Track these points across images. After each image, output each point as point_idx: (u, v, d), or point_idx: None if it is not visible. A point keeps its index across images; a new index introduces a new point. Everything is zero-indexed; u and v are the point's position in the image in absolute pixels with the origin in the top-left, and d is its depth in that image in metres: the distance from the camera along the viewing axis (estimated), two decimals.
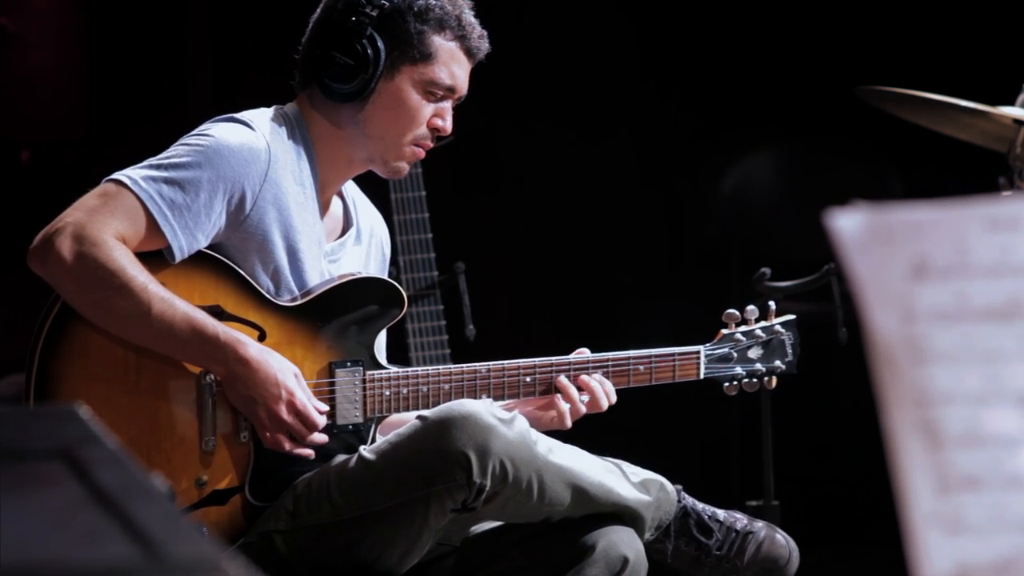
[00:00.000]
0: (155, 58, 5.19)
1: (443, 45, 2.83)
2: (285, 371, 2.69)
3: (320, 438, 2.73)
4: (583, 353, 2.91)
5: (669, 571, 2.96)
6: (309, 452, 2.73)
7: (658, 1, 5.44)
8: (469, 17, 2.85)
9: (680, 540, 2.84)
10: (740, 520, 2.86)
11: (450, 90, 2.84)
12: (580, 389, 2.87)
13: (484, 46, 2.87)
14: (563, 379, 2.87)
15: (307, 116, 2.85)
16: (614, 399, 2.89)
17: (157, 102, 5.14)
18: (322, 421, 2.72)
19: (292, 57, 2.88)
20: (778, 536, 2.86)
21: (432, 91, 2.83)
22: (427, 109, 2.84)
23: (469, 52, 2.85)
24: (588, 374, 2.87)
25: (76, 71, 5.29)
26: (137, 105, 5.16)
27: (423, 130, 2.84)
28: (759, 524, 2.87)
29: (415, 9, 2.81)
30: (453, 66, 2.84)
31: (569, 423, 2.87)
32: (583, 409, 2.87)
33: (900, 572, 2.06)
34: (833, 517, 5.08)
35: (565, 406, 2.86)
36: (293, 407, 2.69)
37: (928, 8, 5.22)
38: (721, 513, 2.87)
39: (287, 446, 2.71)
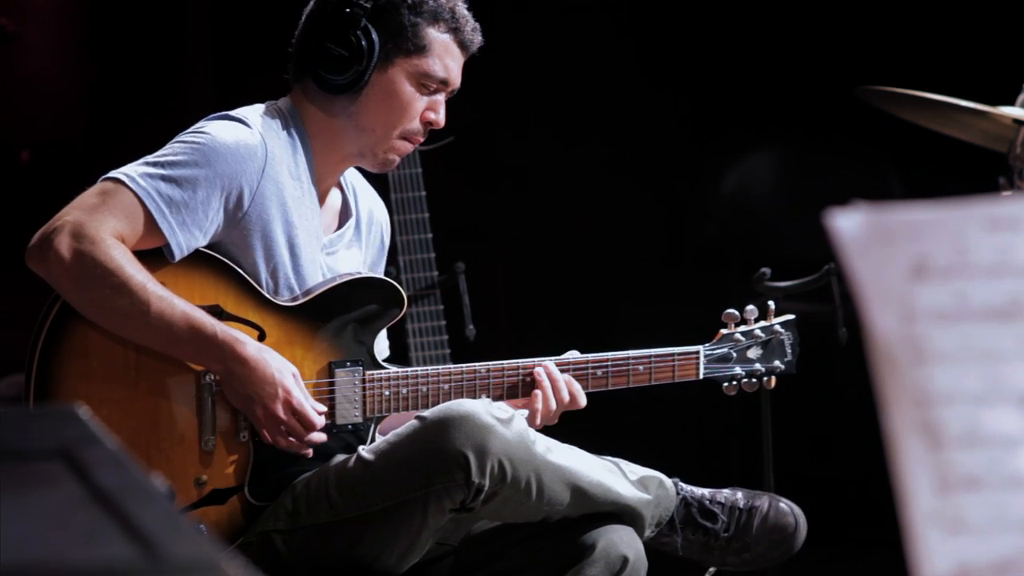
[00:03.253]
0: (155, 58, 5.19)
1: (437, 37, 2.83)
2: (283, 370, 2.69)
3: (319, 437, 2.73)
4: (573, 354, 2.90)
5: (671, 568, 2.96)
6: (307, 451, 2.73)
7: (658, 1, 5.44)
8: (462, 10, 2.86)
9: (686, 530, 2.83)
10: (742, 497, 2.86)
11: (443, 83, 2.85)
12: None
13: (477, 39, 2.87)
14: (539, 371, 2.85)
15: (301, 109, 2.85)
16: (583, 402, 2.87)
17: (157, 102, 5.14)
18: (320, 421, 2.72)
19: (287, 51, 2.88)
20: (782, 504, 2.85)
21: (425, 83, 2.84)
22: (420, 102, 2.84)
23: (463, 45, 2.86)
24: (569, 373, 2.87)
25: (76, 71, 5.29)
26: (137, 105, 5.16)
27: (415, 124, 2.85)
28: (762, 497, 2.86)
29: (409, 2, 2.82)
30: (447, 59, 2.84)
31: (539, 421, 2.85)
32: (553, 406, 2.85)
33: (900, 572, 2.06)
34: (833, 517, 5.08)
35: (539, 404, 2.84)
36: (290, 406, 2.69)
37: (928, 8, 5.22)
38: (721, 494, 2.86)
39: (284, 444, 2.71)
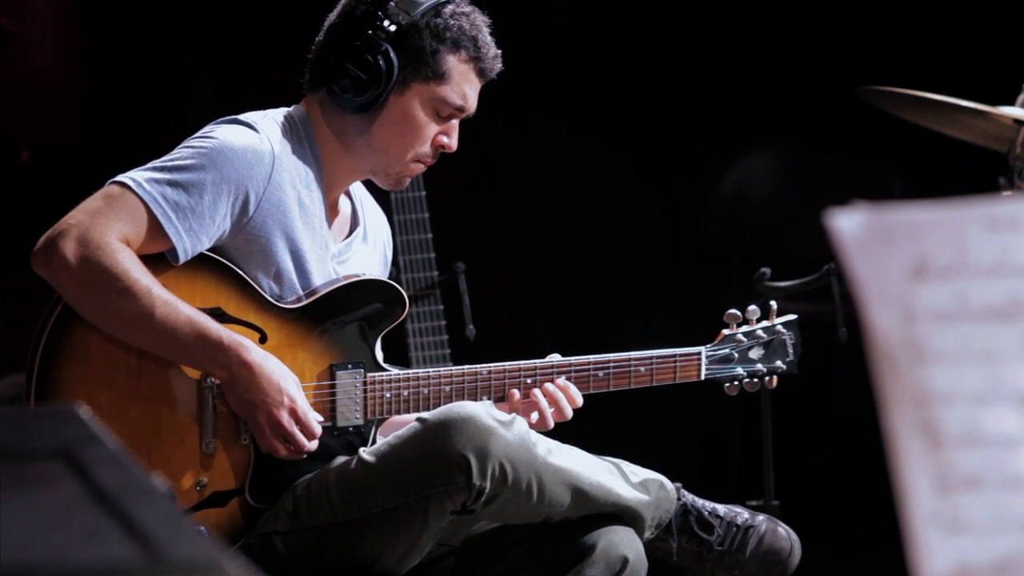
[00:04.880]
0: (155, 58, 5.19)
1: (456, 66, 2.82)
2: (287, 378, 2.69)
3: (316, 445, 2.73)
4: (555, 357, 2.90)
5: (670, 570, 2.96)
6: (302, 455, 2.73)
7: (659, 2, 5.44)
8: (486, 38, 2.84)
9: (682, 537, 2.83)
10: (741, 514, 2.86)
11: (459, 109, 2.84)
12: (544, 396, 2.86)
13: (497, 66, 2.86)
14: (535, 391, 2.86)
15: (314, 120, 2.85)
16: (580, 402, 2.88)
17: (157, 102, 5.14)
18: (319, 431, 2.72)
19: (294, 57, 2.88)
20: (779, 529, 2.85)
21: (440, 109, 2.82)
22: (433, 127, 2.83)
23: (481, 72, 2.84)
24: (552, 380, 2.86)
25: (76, 71, 5.29)
26: (137, 105, 5.16)
27: (427, 148, 2.84)
28: (760, 517, 2.86)
29: (432, 27, 2.79)
30: (464, 86, 2.83)
31: (551, 423, 2.86)
32: (550, 424, 2.86)
33: (900, 572, 2.06)
34: (833, 517, 5.08)
35: (547, 407, 2.84)
36: (294, 414, 2.69)
37: (928, 8, 5.22)
38: (721, 508, 2.86)
39: (283, 452, 2.71)
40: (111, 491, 1.19)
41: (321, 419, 2.75)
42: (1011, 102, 3.73)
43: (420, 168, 2.87)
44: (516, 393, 2.85)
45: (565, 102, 5.39)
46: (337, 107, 2.82)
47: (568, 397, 2.85)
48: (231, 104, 2.90)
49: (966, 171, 4.03)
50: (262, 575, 2.46)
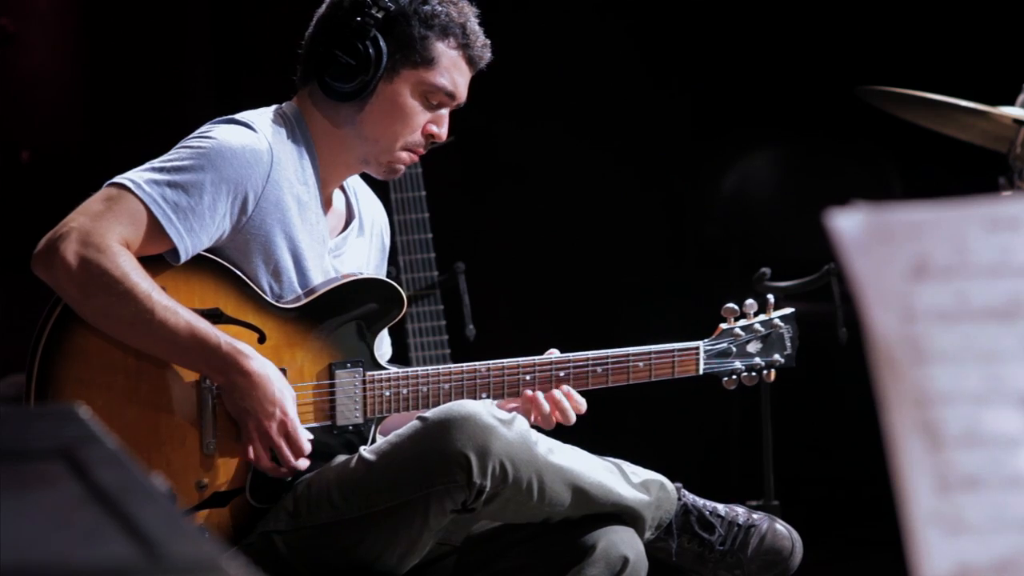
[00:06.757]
0: (155, 58, 5.19)
1: (445, 52, 2.83)
2: (284, 392, 2.69)
3: (302, 464, 2.72)
4: (554, 353, 2.90)
5: (670, 571, 2.96)
6: (285, 472, 2.72)
7: (660, 1, 5.44)
8: (474, 26, 2.85)
9: (683, 538, 2.84)
10: (741, 514, 2.86)
11: (449, 96, 2.84)
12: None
13: (487, 55, 2.87)
14: (528, 392, 2.86)
15: (307, 114, 2.85)
16: (583, 409, 2.88)
17: (157, 102, 5.14)
18: (308, 449, 2.71)
19: (294, 54, 2.88)
20: (780, 527, 2.86)
21: (430, 96, 2.83)
22: (423, 115, 2.84)
23: (471, 61, 2.85)
24: (555, 386, 2.86)
25: (76, 71, 5.29)
26: (137, 105, 5.16)
27: (417, 136, 2.84)
28: (760, 516, 2.87)
29: (420, 14, 2.81)
30: (454, 73, 2.84)
31: (553, 423, 2.86)
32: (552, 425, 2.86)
33: (900, 572, 2.06)
34: (833, 517, 5.08)
35: (547, 407, 2.85)
36: (284, 428, 2.68)
37: (928, 8, 5.22)
38: (722, 508, 2.86)
39: (265, 464, 2.70)
40: (111, 491, 1.19)
41: (311, 437, 2.74)
42: (1011, 102, 3.73)
43: (412, 158, 2.87)
44: (530, 392, 2.85)
45: (565, 102, 5.39)
46: (327, 97, 2.82)
47: (573, 404, 2.86)
48: (231, 104, 2.90)
49: (966, 171, 4.04)
50: (263, 575, 2.47)
